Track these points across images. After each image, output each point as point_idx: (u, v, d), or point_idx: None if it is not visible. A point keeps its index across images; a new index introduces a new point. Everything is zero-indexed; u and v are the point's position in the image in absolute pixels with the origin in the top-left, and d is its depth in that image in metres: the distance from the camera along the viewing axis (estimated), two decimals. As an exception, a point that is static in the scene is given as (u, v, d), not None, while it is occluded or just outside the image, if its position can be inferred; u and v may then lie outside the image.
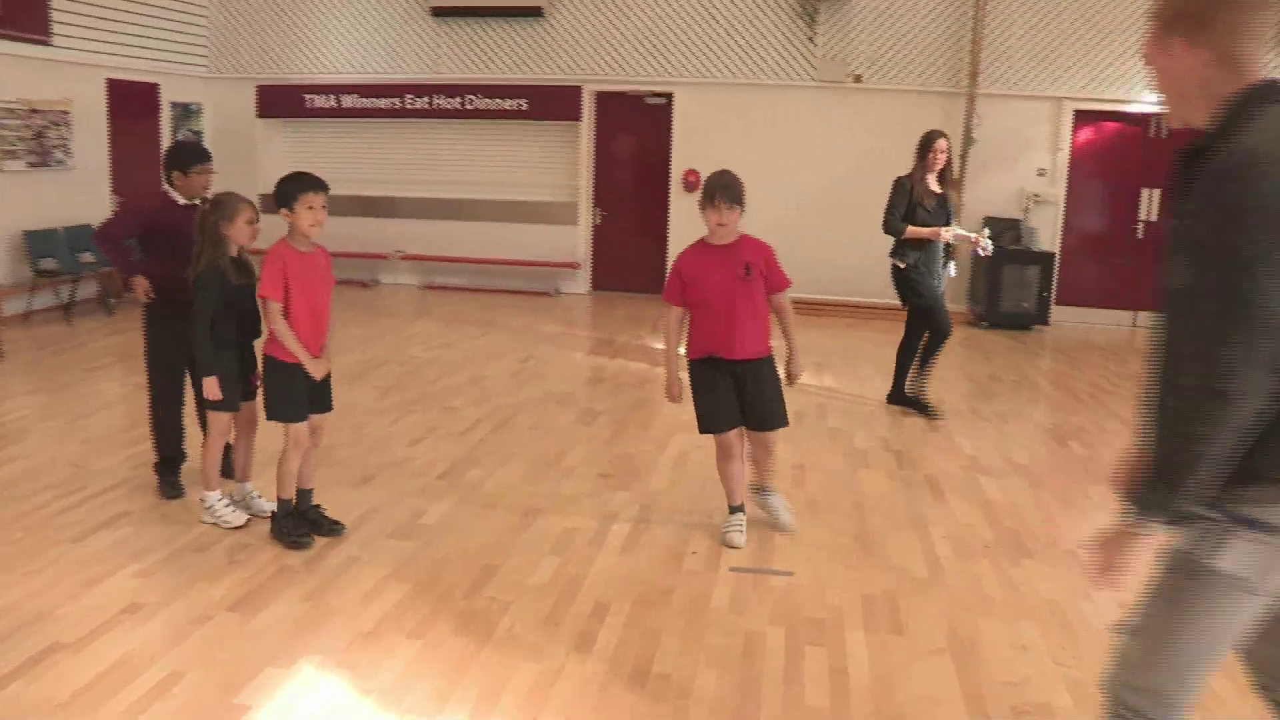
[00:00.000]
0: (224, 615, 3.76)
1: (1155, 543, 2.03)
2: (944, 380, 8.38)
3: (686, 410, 6.97)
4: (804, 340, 9.66)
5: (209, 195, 4.70)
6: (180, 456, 5.10)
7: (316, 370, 4.35)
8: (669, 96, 11.61)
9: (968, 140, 10.93)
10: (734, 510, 4.74)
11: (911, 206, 6.78)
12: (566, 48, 11.57)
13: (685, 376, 4.66)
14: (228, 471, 4.86)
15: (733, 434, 4.58)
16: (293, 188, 4.25)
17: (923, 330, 7.05)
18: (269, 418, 4.42)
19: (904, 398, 7.22)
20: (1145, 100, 10.80)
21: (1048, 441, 6.67)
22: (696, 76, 11.44)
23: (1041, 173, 11.09)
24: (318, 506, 4.61)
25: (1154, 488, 1.93)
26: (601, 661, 3.54)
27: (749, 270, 4.45)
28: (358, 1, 11.86)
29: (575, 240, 11.97)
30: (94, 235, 5.08)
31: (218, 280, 4.43)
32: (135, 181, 10.59)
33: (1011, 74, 10.95)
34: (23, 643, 3.48)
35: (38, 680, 3.25)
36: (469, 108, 11.66)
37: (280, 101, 12.12)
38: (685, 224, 11.77)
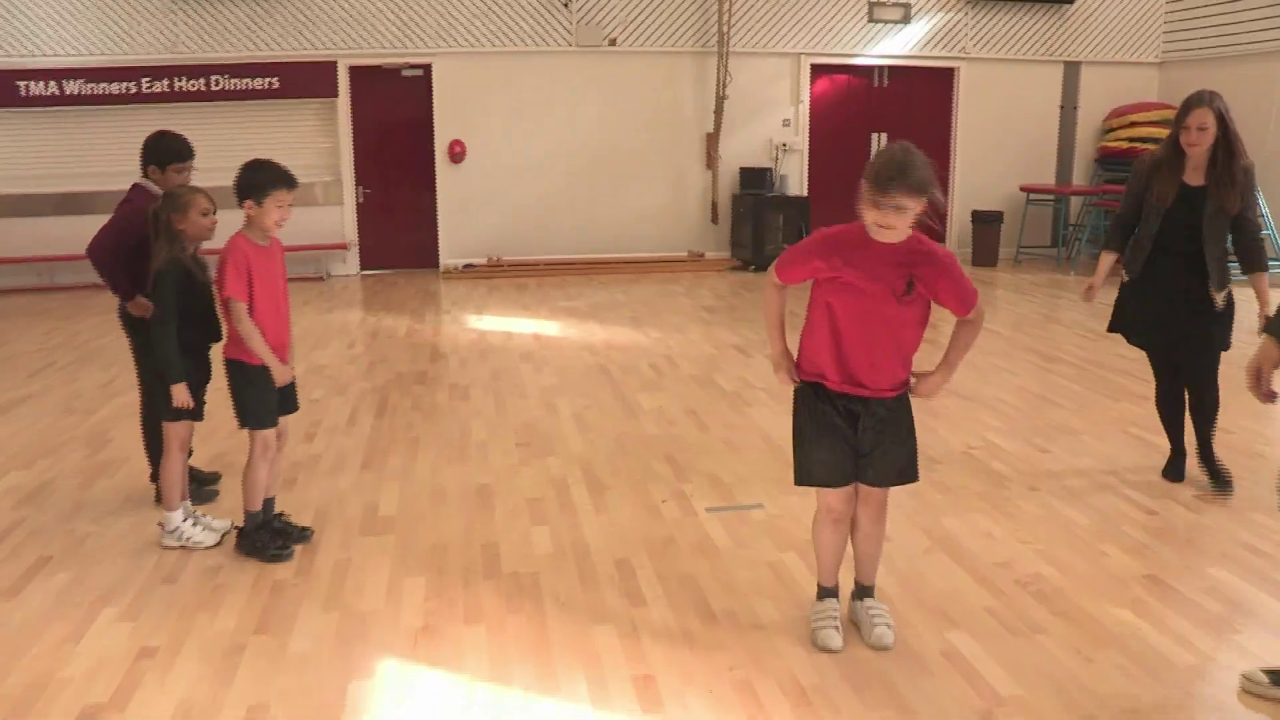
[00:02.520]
0: (256, 641, 3.51)
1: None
2: (756, 320, 8.99)
3: (549, 372, 7.19)
4: (602, 298, 10.16)
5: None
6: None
7: (282, 376, 4.08)
8: (427, 68, 11.39)
9: (720, 97, 11.59)
10: (825, 594, 3.54)
11: (1141, 202, 4.67)
12: (318, 22, 11.02)
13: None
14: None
15: (845, 492, 3.36)
16: (264, 180, 3.90)
17: (1165, 378, 4.91)
18: (241, 425, 4.10)
19: (1210, 465, 4.85)
20: (869, 54, 11.94)
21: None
22: (454, 46, 11.30)
23: (786, 124, 11.98)
24: (282, 514, 4.36)
25: None
26: (665, 610, 3.67)
27: (911, 287, 3.11)
28: (77, -25, 10.65)
29: (341, 221, 11.52)
30: (88, 250, 4.46)
31: (179, 277, 4.02)
32: None
33: (755, 33, 11.70)
34: (48, 712, 3.10)
35: (102, 744, 2.94)
36: (215, 89, 10.84)
37: (-14, 90, 10.67)
38: (453, 196, 11.69)
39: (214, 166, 10.93)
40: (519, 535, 4.38)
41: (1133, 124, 12.17)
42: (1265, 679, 3.02)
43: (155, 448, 4.63)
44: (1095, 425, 5.92)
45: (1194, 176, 4.49)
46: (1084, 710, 3.02)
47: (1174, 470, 4.94)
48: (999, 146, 12.56)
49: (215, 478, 4.96)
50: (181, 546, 4.25)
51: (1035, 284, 11.03)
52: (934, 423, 5.98)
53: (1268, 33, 10.94)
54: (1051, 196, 12.46)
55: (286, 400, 4.20)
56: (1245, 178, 4.43)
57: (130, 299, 4.46)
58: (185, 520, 4.29)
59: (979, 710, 3.03)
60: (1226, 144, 4.40)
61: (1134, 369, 7.17)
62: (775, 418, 6.05)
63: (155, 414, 4.48)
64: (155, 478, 4.69)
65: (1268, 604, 3.68)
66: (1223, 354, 4.68)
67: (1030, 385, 6.80)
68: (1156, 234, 4.59)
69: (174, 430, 4.22)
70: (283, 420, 4.22)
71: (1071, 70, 12.72)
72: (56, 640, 3.53)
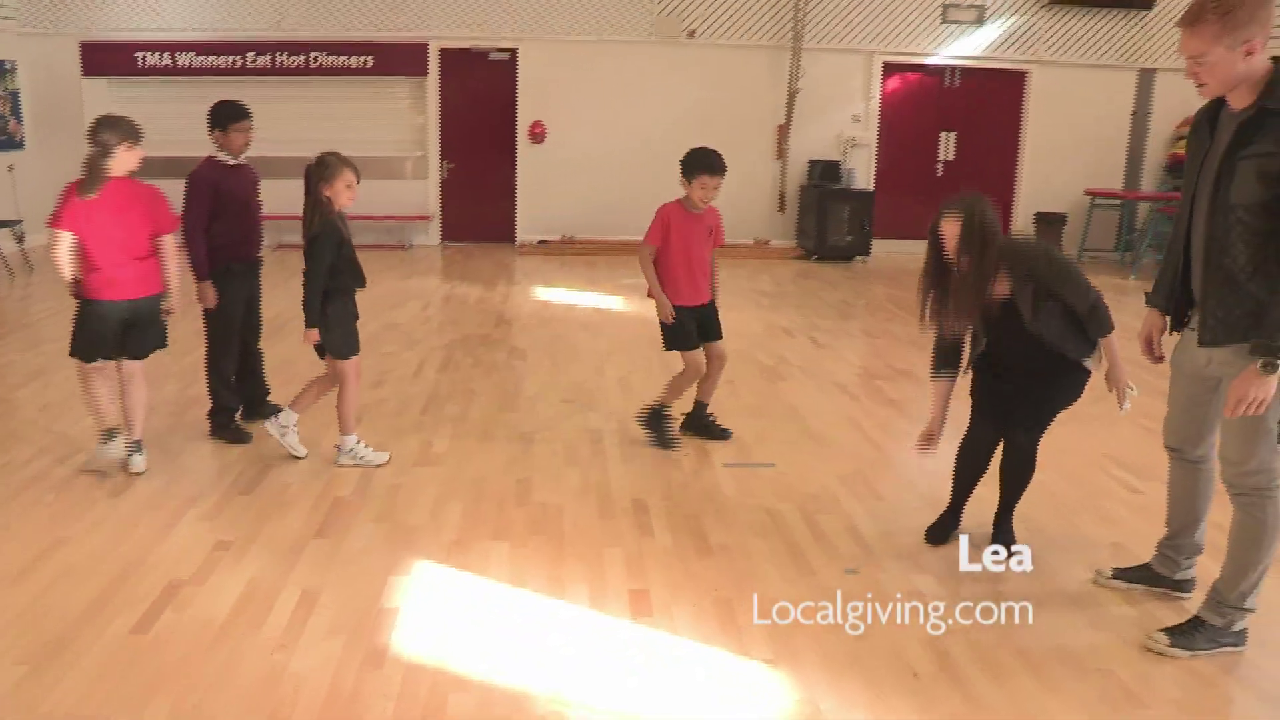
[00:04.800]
0: (315, 542, 4.11)
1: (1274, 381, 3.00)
2: (809, 307, 9.41)
3: (604, 340, 7.73)
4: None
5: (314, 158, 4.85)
6: (236, 406, 5.37)
7: (663, 310, 5.11)
8: (513, 52, 12.00)
9: (792, 90, 11.98)
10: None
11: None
12: (412, 5, 11.70)
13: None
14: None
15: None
16: (692, 164, 5.18)
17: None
18: (666, 348, 5.31)
19: None
20: (941, 54, 12.21)
21: (913, 351, 7.74)
22: (540, 33, 11.88)
23: (856, 119, 12.32)
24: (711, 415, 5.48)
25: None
26: (669, 540, 4.18)
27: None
28: (192, -44, 11.51)
29: (425, 193, 12.22)
30: (186, 234, 5.01)
31: (335, 238, 4.69)
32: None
33: (829, 30, 12.06)
34: (141, 583, 3.70)
35: (184, 609, 3.53)
36: (314, 65, 11.62)
37: (108, 59, 11.57)
38: (532, 175, 12.28)
39: (311, 138, 11.87)
40: (552, 474, 4.92)
41: (1204, 132, 12.20)
42: (1109, 572, 3.91)
43: (215, 387, 5.31)
44: (1107, 413, 6.18)
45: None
46: (1019, 644, 3.45)
47: (939, 532, 4.30)
48: (1067, 150, 12.70)
49: (278, 410, 5.54)
50: (355, 465, 4.93)
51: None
52: (953, 404, 6.33)
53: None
54: (1117, 201, 12.57)
55: (707, 330, 5.30)
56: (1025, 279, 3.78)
57: (206, 279, 5.10)
58: (360, 442, 4.97)
59: (924, 641, 3.48)
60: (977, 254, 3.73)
61: (1161, 368, 7.41)
62: (804, 392, 6.49)
63: (216, 359, 5.25)
64: (211, 413, 5.35)
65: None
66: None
67: (1058, 378, 7.11)
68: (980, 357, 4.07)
69: (347, 365, 4.90)
70: (716, 346, 5.32)
71: (1146, 77, 12.78)
72: (151, 530, 4.19)
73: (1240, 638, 3.41)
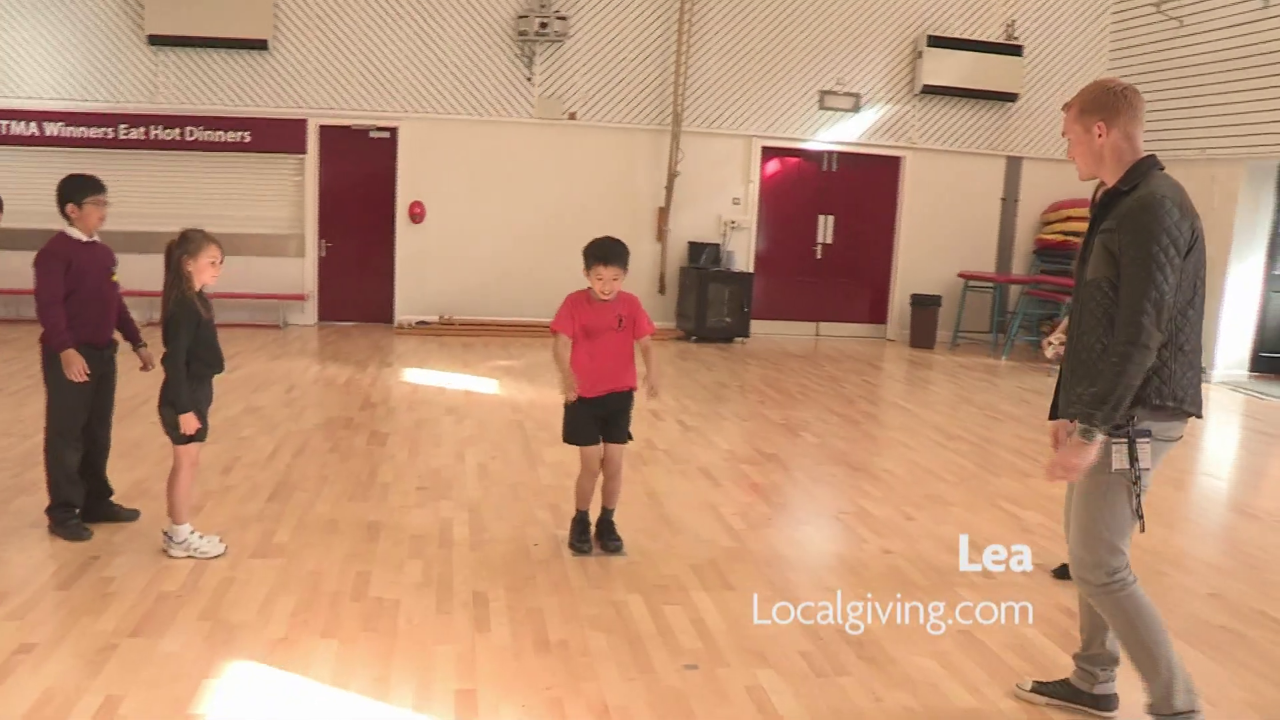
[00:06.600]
0: (129, 642, 3.87)
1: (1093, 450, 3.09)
2: (682, 389, 9.44)
3: (469, 424, 7.61)
4: (541, 359, 10.62)
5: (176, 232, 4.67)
6: (79, 502, 5.01)
7: (568, 394, 4.88)
8: (393, 130, 11.98)
9: (672, 173, 12.19)
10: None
11: None
12: (291, 81, 11.63)
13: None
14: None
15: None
16: (589, 255, 4.98)
17: None
18: (563, 439, 5.06)
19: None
20: (819, 140, 12.59)
21: (784, 433, 7.82)
22: (421, 111, 11.90)
23: (736, 202, 12.57)
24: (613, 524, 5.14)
25: (1100, 411, 3.04)
26: (504, 636, 4.06)
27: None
28: (63, 24, 11.23)
29: (301, 272, 12.01)
30: (41, 307, 4.78)
31: (194, 316, 4.52)
32: None
33: (709, 113, 12.35)
34: (-77, 690, 3.46)
35: (-35, 722, 3.30)
36: (189, 139, 11.40)
37: (-33, 127, 11.18)
38: (411, 255, 12.19)
39: (186, 213, 11.57)
40: (393, 566, 4.76)
41: (1068, 218, 12.78)
42: (1029, 685, 3.73)
43: (56, 479, 4.98)
44: (968, 497, 6.33)
45: None
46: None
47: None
48: (941, 234, 13.14)
49: (135, 514, 5.27)
50: (189, 556, 4.69)
51: (965, 367, 11.53)
52: (815, 488, 6.40)
53: (1189, 140, 11.55)
54: (989, 284, 13.02)
55: (609, 429, 5.02)
56: None
57: (68, 347, 4.82)
58: (193, 533, 4.73)
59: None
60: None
61: (1028, 449, 7.63)
62: (667, 477, 6.46)
63: (59, 449, 4.94)
64: (51, 509, 4.99)
65: (1063, 660, 4.05)
66: None
67: (921, 459, 7.22)
68: None
69: (184, 451, 4.68)
70: (611, 448, 5.03)
71: (1014, 164, 13.37)
72: (-56, 633, 3.89)
73: None
